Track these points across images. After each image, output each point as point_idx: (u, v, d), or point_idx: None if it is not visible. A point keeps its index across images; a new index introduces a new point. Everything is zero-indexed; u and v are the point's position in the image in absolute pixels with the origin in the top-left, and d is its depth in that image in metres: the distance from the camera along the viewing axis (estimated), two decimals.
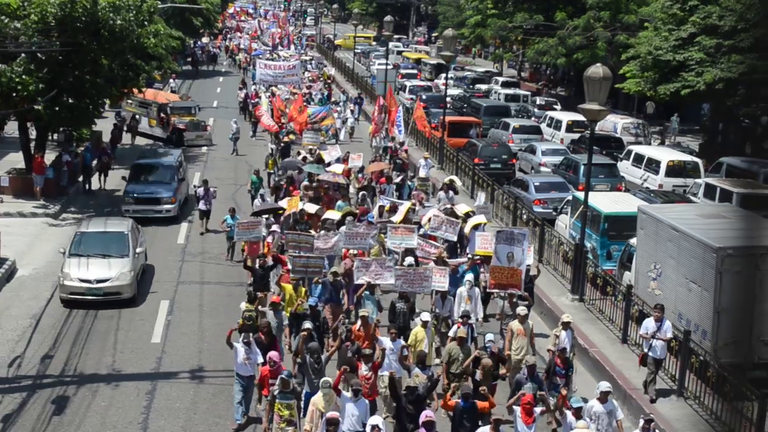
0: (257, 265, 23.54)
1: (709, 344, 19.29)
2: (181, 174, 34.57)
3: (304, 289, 21.89)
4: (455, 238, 25.74)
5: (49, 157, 36.25)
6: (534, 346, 19.87)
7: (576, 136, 45.26)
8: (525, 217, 29.58)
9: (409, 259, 23.31)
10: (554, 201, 31.87)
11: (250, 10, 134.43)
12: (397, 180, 33.92)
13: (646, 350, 19.27)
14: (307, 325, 18.63)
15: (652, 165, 36.81)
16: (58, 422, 18.33)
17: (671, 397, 19.05)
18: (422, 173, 36.16)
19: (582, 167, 33.45)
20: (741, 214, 23.55)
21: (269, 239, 25.97)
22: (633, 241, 24.04)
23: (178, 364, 21.17)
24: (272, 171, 37.28)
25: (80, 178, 36.79)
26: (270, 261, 23.66)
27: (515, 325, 19.90)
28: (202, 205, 31.57)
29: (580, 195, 26.15)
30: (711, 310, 19.46)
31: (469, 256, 24.00)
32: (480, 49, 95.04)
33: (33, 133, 36.43)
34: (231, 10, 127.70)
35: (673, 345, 19.29)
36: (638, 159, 37.93)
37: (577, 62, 60.27)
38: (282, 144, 40.34)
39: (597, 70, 23.33)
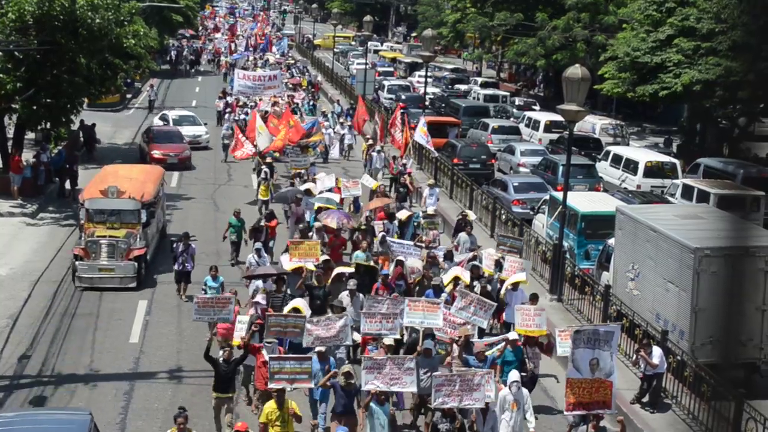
0: (220, 359, 17.49)
1: (686, 344, 19.42)
2: None
3: (294, 404, 16.24)
4: (486, 325, 19.65)
5: (26, 156, 36.00)
6: None
7: (554, 136, 45.46)
8: (504, 217, 29.67)
9: (428, 342, 18.16)
10: (533, 201, 31.94)
11: (223, 13, 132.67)
12: (401, 215, 27.84)
13: (642, 369, 18.77)
14: None
15: (630, 166, 36.98)
16: None
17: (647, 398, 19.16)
18: (429, 206, 30.16)
19: (561, 168, 33.58)
20: (718, 215, 23.71)
21: (250, 311, 20.05)
22: (611, 241, 24.16)
23: (157, 364, 21.07)
24: (266, 198, 31.93)
25: (56, 179, 36.46)
26: (238, 352, 17.90)
27: None
28: (178, 266, 24.76)
29: (557, 194, 26.23)
30: (688, 310, 19.60)
31: (509, 337, 18.76)
32: (458, 49, 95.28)
33: (10, 132, 36.21)
34: (207, 11, 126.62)
35: (671, 362, 18.97)
36: (616, 160, 38.10)
37: (556, 63, 60.50)
38: (264, 165, 34.40)
39: (575, 70, 23.42)
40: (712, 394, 17.64)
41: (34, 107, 32.50)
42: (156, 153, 39.70)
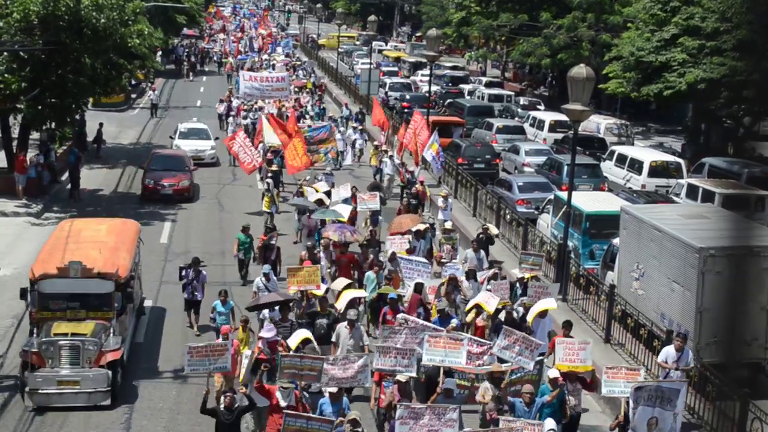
0: (222, 406, 15.95)
1: (691, 344, 19.39)
2: None
3: None
4: (532, 366, 17.09)
5: (31, 156, 36.04)
6: None
7: (559, 136, 45.40)
8: (509, 217, 29.65)
9: (450, 382, 16.91)
10: (537, 201, 31.92)
11: (227, 13, 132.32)
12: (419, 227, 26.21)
13: (662, 379, 17.88)
14: None
15: (635, 165, 36.95)
16: (40, 422, 18.26)
17: None
18: (444, 220, 28.41)
19: (565, 167, 33.54)
20: (723, 215, 23.67)
21: (258, 345, 18.36)
22: (616, 240, 24.13)
23: (162, 363, 21.09)
24: (270, 211, 30.79)
25: (64, 177, 36.46)
26: (242, 399, 16.24)
27: None
28: (188, 294, 22.86)
29: (562, 194, 26.20)
30: (693, 310, 19.59)
31: (549, 375, 16.74)
32: (463, 48, 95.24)
33: (15, 132, 36.27)
34: (212, 11, 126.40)
35: (692, 375, 18.28)
36: (621, 159, 38.05)
37: (560, 62, 60.46)
38: (269, 173, 33.57)
39: (580, 70, 23.40)
40: (717, 393, 17.61)
41: (39, 107, 32.54)
42: (148, 182, 35.34)
